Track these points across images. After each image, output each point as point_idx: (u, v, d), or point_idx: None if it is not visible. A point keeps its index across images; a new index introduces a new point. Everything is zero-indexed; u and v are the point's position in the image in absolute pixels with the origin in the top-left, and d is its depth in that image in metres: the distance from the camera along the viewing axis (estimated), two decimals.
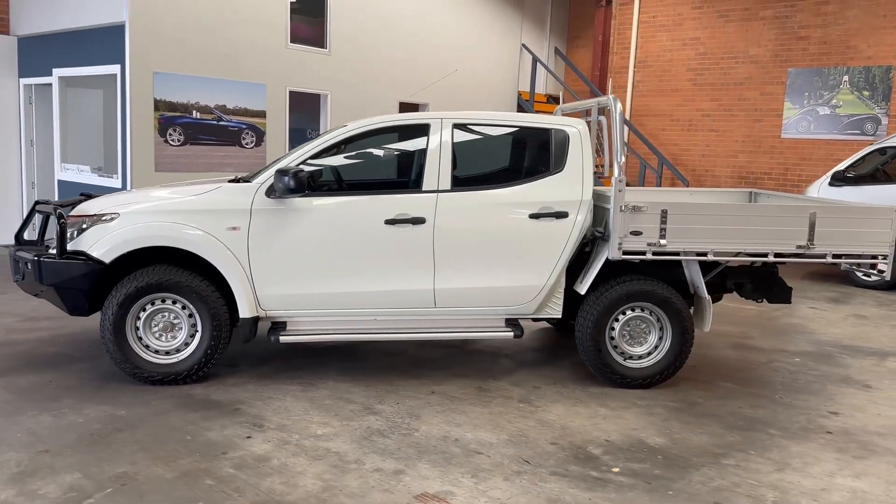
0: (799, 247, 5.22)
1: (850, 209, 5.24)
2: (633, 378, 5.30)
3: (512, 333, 5.22)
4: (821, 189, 10.16)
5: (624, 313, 5.31)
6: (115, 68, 9.05)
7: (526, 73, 14.55)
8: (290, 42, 10.47)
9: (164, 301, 4.97)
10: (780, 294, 5.73)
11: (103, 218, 4.93)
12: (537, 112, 14.19)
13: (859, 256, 5.35)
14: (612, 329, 5.31)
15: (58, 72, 9.94)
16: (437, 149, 5.14)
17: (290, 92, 10.56)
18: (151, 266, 4.95)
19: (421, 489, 3.66)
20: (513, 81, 14.37)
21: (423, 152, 5.16)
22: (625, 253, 5.12)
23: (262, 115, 10.27)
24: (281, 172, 4.80)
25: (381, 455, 4.03)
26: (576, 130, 5.35)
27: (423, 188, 5.10)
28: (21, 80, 10.64)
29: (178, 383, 5.00)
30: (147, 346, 5.00)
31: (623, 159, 5.03)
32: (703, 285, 5.38)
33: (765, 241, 5.19)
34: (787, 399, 5.25)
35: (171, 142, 9.34)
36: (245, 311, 4.98)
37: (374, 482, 3.71)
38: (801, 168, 12.88)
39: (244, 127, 10.05)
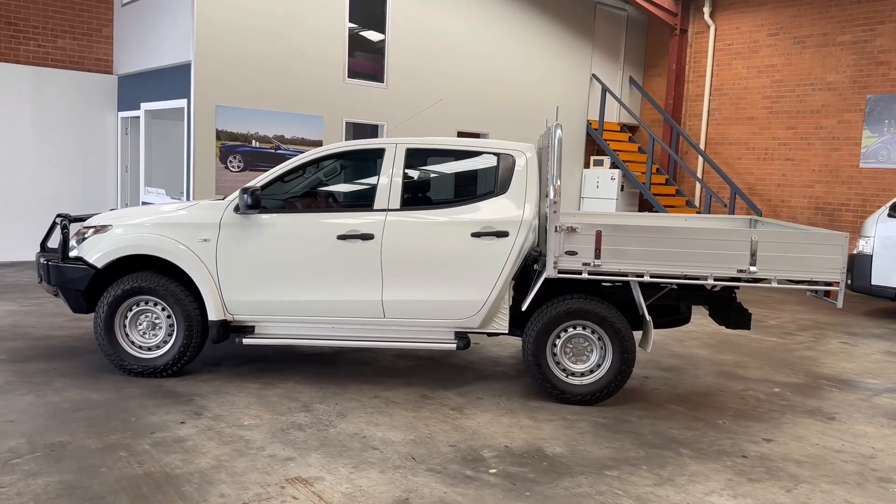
0: (740, 271, 5.20)
1: (795, 234, 5.17)
2: (573, 394, 5.45)
3: (455, 345, 5.52)
4: (879, 221, 9.66)
5: (566, 331, 5.47)
6: (182, 102, 10.15)
7: (596, 103, 14.66)
8: (348, 77, 11.25)
9: (146, 303, 5.67)
10: (738, 319, 5.69)
11: (100, 229, 5.72)
12: (607, 140, 14.27)
13: (810, 283, 5.25)
14: (555, 346, 5.48)
15: (144, 106, 11.22)
16: (389, 171, 5.57)
17: (347, 123, 11.32)
18: (139, 272, 5.67)
19: (297, 474, 4.06)
20: (582, 111, 14.53)
21: (375, 174, 5.61)
22: (560, 272, 5.31)
23: (318, 144, 11.08)
24: (243, 191, 5.41)
25: (285, 445, 4.46)
26: (522, 155, 5.62)
27: (375, 207, 5.54)
28: (119, 113, 12.06)
29: (156, 376, 5.67)
30: (133, 342, 5.71)
31: (559, 183, 5.25)
32: (644, 306, 5.45)
33: (703, 264, 5.22)
34: (729, 424, 5.21)
35: (231, 168, 10.31)
36: (213, 315, 5.59)
37: (260, 465, 4.15)
38: (881, 199, 12.18)
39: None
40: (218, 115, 10.06)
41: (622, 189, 14.21)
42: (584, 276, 5.31)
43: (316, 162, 5.71)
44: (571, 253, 5.29)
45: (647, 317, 5.43)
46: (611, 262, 5.28)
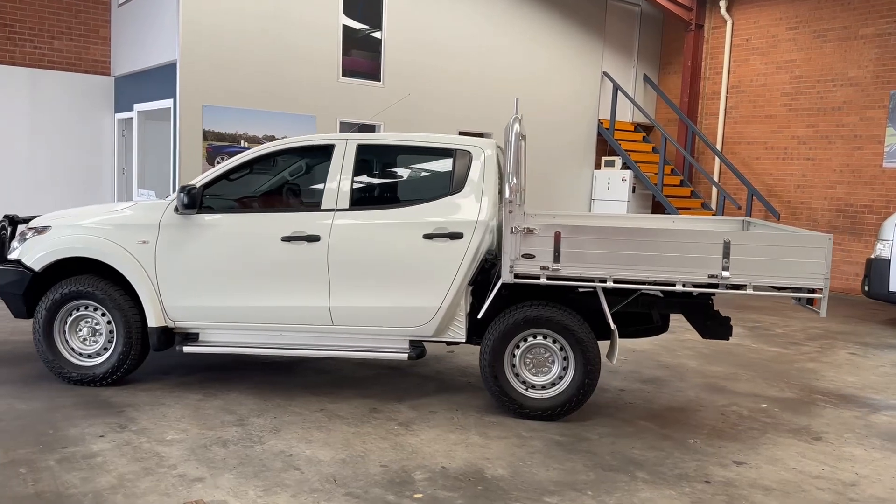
0: (711, 276, 4.74)
1: (773, 236, 4.70)
2: (532, 409, 5.03)
3: (406, 355, 5.14)
4: None
5: (525, 340, 5.07)
6: (168, 102, 9.95)
7: (608, 102, 14.17)
8: (343, 76, 10.95)
9: (86, 308, 5.40)
10: (715, 328, 5.22)
11: (40, 231, 5.47)
12: (618, 141, 13.78)
13: (791, 289, 4.77)
14: (514, 356, 5.08)
15: (137, 107, 11.06)
16: (338, 169, 5.23)
17: (342, 123, 11.03)
18: (77, 275, 5.41)
19: (200, 496, 3.72)
20: (592, 110, 14.06)
21: (324, 172, 5.27)
22: (517, 276, 4.91)
23: None
24: (181, 189, 5.11)
25: (200, 463, 4.14)
26: (480, 151, 5.24)
27: (322, 207, 5.20)
28: (116, 115, 11.93)
29: (96, 385, 5.40)
30: (73, 349, 5.44)
31: (514, 180, 4.85)
32: (609, 314, 5.02)
33: (671, 268, 4.77)
34: (700, 444, 4.75)
35: None
36: (153, 321, 5.30)
37: (164, 486, 3.83)
38: None
39: None
40: (205, 114, 9.83)
41: (633, 191, 13.68)
42: (543, 281, 4.89)
43: (262, 159, 5.39)
44: (528, 256, 4.88)
45: (613, 325, 5.00)
46: (571, 266, 4.86)
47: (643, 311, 5.30)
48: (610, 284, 4.86)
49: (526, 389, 5.09)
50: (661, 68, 15.13)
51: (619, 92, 13.99)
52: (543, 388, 5.10)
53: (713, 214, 13.67)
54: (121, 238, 5.30)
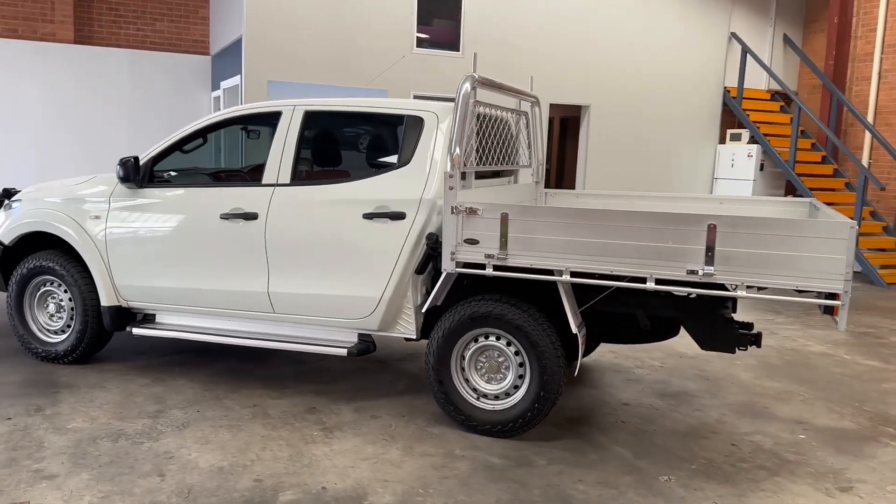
0: (691, 272, 3.70)
1: (776, 223, 3.57)
2: (480, 422, 4.26)
3: (345, 350, 4.54)
4: None
5: (476, 340, 4.29)
6: (237, 79, 9.88)
7: (736, 66, 12.52)
8: (417, 46, 10.39)
9: (51, 284, 5.28)
10: (716, 338, 4.14)
11: (13, 203, 5.41)
12: (746, 111, 12.16)
13: (799, 293, 3.63)
14: (464, 359, 4.32)
15: (223, 84, 11.16)
16: (282, 139, 4.69)
17: (415, 96, 10.47)
18: (47, 250, 5.29)
19: (31, 497, 3.37)
20: (717, 77, 12.49)
21: (269, 143, 4.75)
22: (459, 265, 4.14)
23: None
24: (118, 161, 4.82)
25: (73, 458, 3.80)
26: (433, 116, 4.48)
27: (263, 181, 4.69)
28: (212, 93, 12.17)
29: (58, 362, 5.28)
30: (42, 326, 5.36)
31: (457, 151, 4.07)
32: (571, 314, 4.10)
33: (641, 261, 3.79)
34: (671, 485, 3.76)
35: None
36: (105, 300, 5.08)
37: (10, 482, 3.53)
38: None
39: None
40: (270, 90, 9.66)
41: (762, 168, 12.00)
42: (489, 271, 4.08)
43: (212, 128, 4.96)
44: (472, 242, 4.09)
45: (575, 328, 4.08)
46: (521, 254, 4.01)
47: (627, 311, 4.32)
48: (566, 278, 3.95)
49: (476, 398, 4.31)
50: (805, 26, 13.14)
51: (748, 56, 12.29)
52: (497, 398, 4.29)
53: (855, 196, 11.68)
54: (76, 213, 5.11)
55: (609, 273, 3.87)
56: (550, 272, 4.00)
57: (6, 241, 5.32)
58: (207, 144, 5.31)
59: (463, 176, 4.50)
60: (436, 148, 4.40)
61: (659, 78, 11.96)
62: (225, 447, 4.00)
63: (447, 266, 4.15)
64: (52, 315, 5.33)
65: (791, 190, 12.08)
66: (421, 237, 4.34)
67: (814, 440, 4.41)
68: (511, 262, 4.04)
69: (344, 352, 4.53)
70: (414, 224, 4.33)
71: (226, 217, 4.70)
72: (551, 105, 11.38)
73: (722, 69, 12.48)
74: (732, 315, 4.46)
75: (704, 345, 4.18)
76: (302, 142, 4.67)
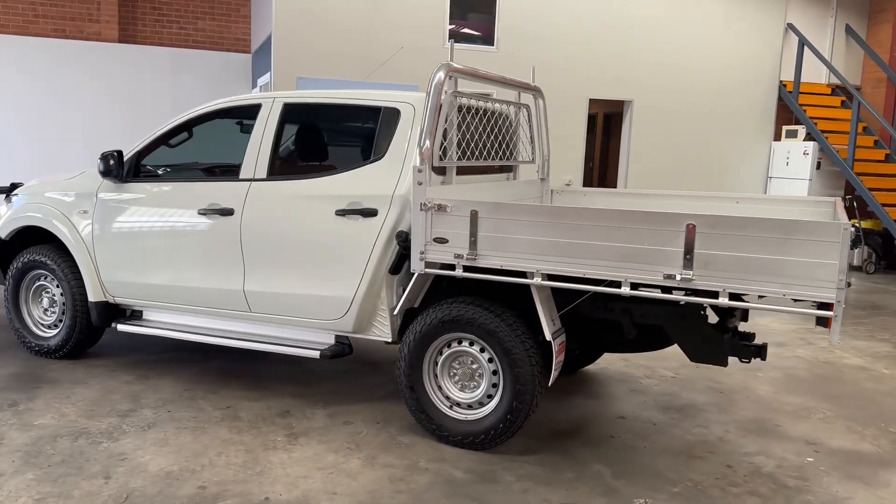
0: (668, 277, 3.37)
1: (760, 223, 3.20)
2: (452, 432, 4.01)
3: (317, 353, 4.35)
4: None
5: (450, 346, 4.04)
6: (268, 76, 9.87)
7: (793, 59, 11.85)
8: (448, 41, 10.15)
9: (45, 278, 5.29)
10: (704, 349, 3.78)
11: (12, 197, 5.44)
12: (803, 106, 11.51)
13: (796, 301, 3.26)
14: (437, 365, 4.08)
15: (259, 81, 11.19)
16: (260, 132, 4.55)
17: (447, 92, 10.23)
18: (42, 244, 5.30)
19: None
20: (772, 70, 11.85)
21: (248, 136, 4.61)
22: (429, 266, 3.90)
23: None
24: (100, 156, 4.76)
25: (23, 457, 3.73)
26: (410, 108, 4.24)
27: (241, 176, 4.56)
28: (252, 90, 12.23)
29: (50, 357, 5.28)
30: (36, 320, 5.37)
31: (427, 144, 3.84)
32: (546, 320, 3.81)
33: (616, 263, 3.47)
34: None
35: None
36: (92, 295, 5.04)
37: None
38: None
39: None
40: (299, 86, 9.60)
41: (818, 167, 11.31)
42: (459, 272, 3.83)
43: (195, 122, 4.86)
44: (441, 240, 3.85)
45: (549, 335, 3.79)
46: (491, 254, 3.74)
47: (613, 318, 3.99)
48: (537, 281, 3.67)
49: (449, 407, 4.07)
50: (869, 16, 12.33)
51: (805, 48, 11.61)
52: (470, 407, 4.04)
53: None
54: (66, 207, 5.10)
55: (582, 276, 3.57)
56: (524, 274, 3.72)
57: (2, 235, 5.35)
58: (210, 139, 5.21)
59: (442, 171, 4.27)
60: (412, 141, 4.17)
61: (708, 72, 11.41)
62: (182, 450, 3.87)
63: (416, 266, 3.92)
64: (45, 309, 5.33)
65: (850, 190, 11.35)
66: (393, 235, 4.11)
67: (823, 464, 3.99)
68: (481, 263, 3.77)
69: (316, 354, 4.34)
70: (386, 221, 4.11)
71: (203, 213, 4.58)
72: (593, 101, 10.98)
73: (777, 62, 11.82)
74: (735, 325, 4.09)
75: (693, 356, 3.82)
76: (279, 135, 4.51)
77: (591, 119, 13.27)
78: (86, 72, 11.54)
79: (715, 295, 3.33)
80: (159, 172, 4.94)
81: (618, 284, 3.51)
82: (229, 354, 5.53)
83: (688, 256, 3.31)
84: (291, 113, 4.55)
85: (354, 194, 4.20)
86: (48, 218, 5.13)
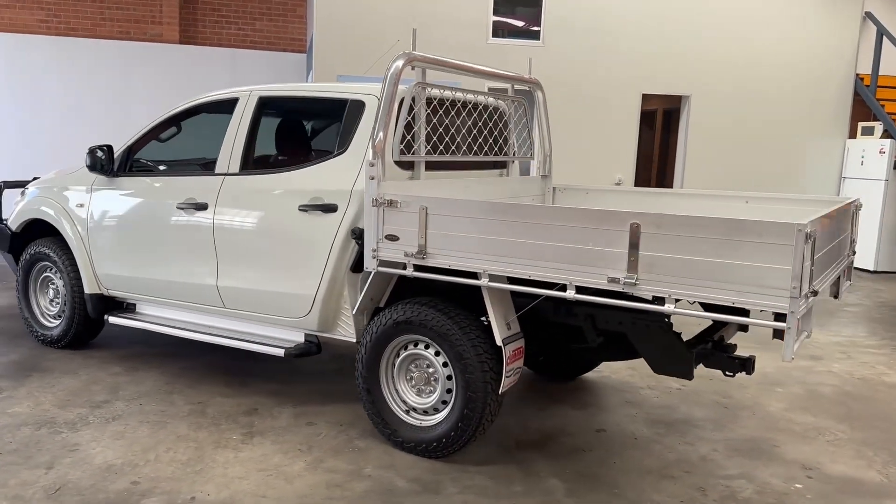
0: (612, 280, 3.09)
1: (708, 223, 2.89)
2: (406, 438, 3.85)
3: (282, 351, 4.27)
4: None
5: (406, 348, 3.88)
6: (311, 74, 9.93)
7: (871, 51, 11.03)
8: (493, 37, 9.96)
9: (50, 270, 5.44)
10: (671, 362, 3.46)
11: (26, 190, 5.63)
12: (881, 101, 10.71)
13: (736, 311, 2.93)
14: (394, 367, 3.93)
15: (308, 80, 11.29)
16: (235, 126, 4.52)
17: (490, 89, 10.05)
18: (47, 237, 5.46)
19: None
20: (847, 63, 11.07)
21: (224, 130, 4.59)
22: (382, 264, 3.75)
23: None
24: (87, 150, 4.85)
25: None
26: (374, 100, 4.10)
27: (216, 171, 4.54)
28: None
29: (53, 346, 5.42)
30: (43, 311, 5.54)
31: (381, 134, 3.69)
32: (498, 323, 3.59)
33: (559, 265, 3.23)
34: None
35: None
36: (87, 287, 5.14)
37: None
38: None
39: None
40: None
41: (895, 167, 10.46)
42: (410, 272, 3.67)
43: (182, 116, 4.88)
44: (392, 238, 3.69)
45: (500, 340, 3.57)
46: (441, 253, 3.56)
47: (575, 323, 3.73)
48: (484, 282, 3.45)
49: (406, 412, 3.90)
50: None
51: (884, 38, 10.77)
52: (426, 413, 3.86)
53: None
54: (66, 201, 5.22)
55: (527, 278, 3.33)
56: (475, 275, 3.51)
57: (13, 227, 5.53)
58: (208, 134, 5.23)
59: (410, 166, 4.11)
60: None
61: (776, 64, 10.75)
62: (133, 445, 3.86)
63: (369, 264, 3.78)
64: (51, 300, 5.48)
65: None
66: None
67: (811, 491, 3.60)
68: (430, 262, 3.59)
69: (281, 352, 4.26)
70: (345, 217, 3.99)
71: (181, 207, 4.59)
72: (650, 96, 10.53)
73: (854, 54, 11.01)
74: (721, 336, 3.77)
75: (655, 367, 3.52)
76: (253, 129, 4.46)
77: (650, 115, 12.76)
78: (149, 72, 11.95)
79: (661, 301, 3.03)
80: (151, 167, 4.98)
81: (563, 287, 3.25)
82: (225, 350, 5.53)
83: (632, 258, 3.03)
84: (265, 107, 4.49)
85: (316, 189, 4.10)
86: (49, 211, 5.26)
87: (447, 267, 3.55)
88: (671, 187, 11.64)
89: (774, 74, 10.78)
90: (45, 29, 11.78)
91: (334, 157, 4.12)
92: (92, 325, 5.34)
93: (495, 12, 9.91)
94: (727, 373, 3.74)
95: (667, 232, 2.94)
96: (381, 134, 3.69)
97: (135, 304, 5.15)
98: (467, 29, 9.86)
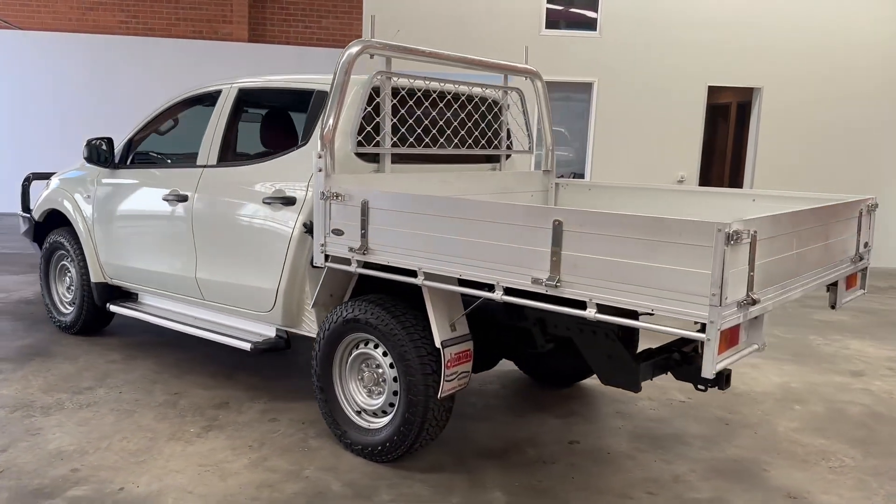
0: (535, 281, 2.85)
1: (628, 221, 2.61)
2: (353, 440, 3.72)
3: (248, 345, 4.22)
4: None
5: (358, 347, 3.75)
6: None
7: None
8: (546, 28, 9.67)
9: (66, 259, 5.64)
10: (615, 372, 3.17)
11: (49, 184, 5.86)
12: None
13: (650, 318, 2.64)
14: (345, 366, 3.81)
15: None
16: (216, 118, 4.52)
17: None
18: (63, 227, 5.66)
19: None
20: None
21: (206, 122, 4.60)
22: (329, 259, 3.64)
23: None
24: (85, 143, 4.97)
25: None
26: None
27: (197, 162, 4.55)
28: None
29: (67, 332, 5.62)
30: (61, 298, 5.75)
31: (330, 122, 3.58)
32: (438, 324, 3.40)
33: (488, 264, 3.01)
34: None
35: None
36: (93, 276, 5.29)
37: None
38: None
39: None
40: None
41: None
42: (353, 267, 3.54)
43: (175, 108, 4.95)
44: (338, 232, 3.57)
45: (438, 342, 3.38)
46: (383, 249, 3.41)
47: (524, 326, 3.49)
48: (420, 281, 3.27)
49: (357, 413, 3.77)
50: None
51: None
52: (374, 415, 3.72)
53: None
54: (77, 192, 5.39)
55: (458, 277, 3.13)
56: (413, 272, 3.34)
57: (36, 217, 5.77)
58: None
59: (375, 158, 3.98)
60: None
61: (861, 53, 9.90)
62: (94, 432, 3.91)
63: (317, 259, 3.67)
64: (68, 287, 5.68)
65: None
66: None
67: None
68: (371, 258, 3.44)
69: (248, 346, 4.22)
70: (302, 210, 3.90)
71: (166, 199, 4.63)
72: (721, 88, 9.94)
73: None
74: (696, 348, 3.45)
75: (602, 377, 3.23)
76: (231, 121, 4.45)
77: (724, 109, 12.05)
78: (220, 70, 12.28)
79: (583, 305, 2.76)
80: (153, 160, 5.06)
81: (492, 287, 3.03)
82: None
83: (554, 258, 2.77)
84: (243, 99, 4.47)
85: (279, 181, 4.03)
86: (63, 202, 5.45)
87: (386, 264, 3.40)
88: (742, 186, 10.95)
89: (856, 65, 9.93)
90: (126, 30, 12.34)
91: (297, 148, 4.04)
92: (100, 313, 5.49)
93: (549, 0, 9.59)
94: (698, 386, 3.41)
95: (589, 231, 2.68)
96: (329, 124, 3.57)
97: (137, 294, 5.25)
98: (518, 21, 9.59)
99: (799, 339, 6.30)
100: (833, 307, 3.61)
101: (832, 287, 3.60)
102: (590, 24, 9.69)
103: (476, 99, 4.59)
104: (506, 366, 4.94)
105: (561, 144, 10.04)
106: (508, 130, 4.85)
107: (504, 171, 4.83)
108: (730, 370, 3.36)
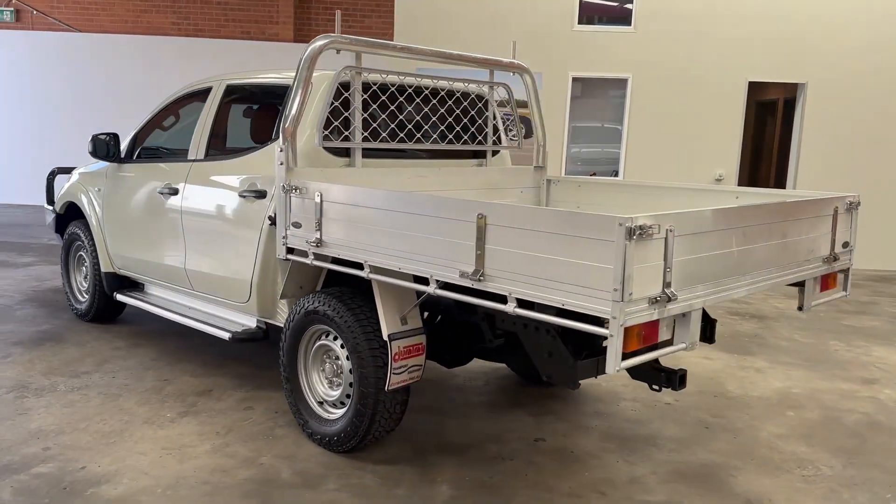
0: (463, 275, 2.85)
1: (541, 215, 2.58)
2: (314, 431, 3.79)
3: (228, 335, 4.34)
4: None
5: (320, 339, 3.81)
6: None
7: None
8: (579, 23, 9.55)
9: (82, 249, 5.90)
10: (553, 368, 3.13)
11: (71, 177, 6.14)
12: None
13: (566, 315, 2.59)
14: (308, 357, 3.88)
15: None
16: (205, 114, 4.66)
17: (574, 78, 9.65)
18: (78, 219, 5.93)
19: None
20: None
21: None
22: (290, 252, 3.71)
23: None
24: (90, 138, 5.19)
25: None
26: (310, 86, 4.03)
27: (188, 157, 4.70)
28: None
29: (82, 320, 5.88)
30: (79, 286, 6.03)
31: (293, 111, 3.65)
32: (386, 317, 3.42)
33: (423, 257, 3.03)
34: None
35: None
36: (103, 266, 5.52)
37: None
38: None
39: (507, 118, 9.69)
40: None
41: None
42: (310, 260, 3.60)
43: (175, 105, 5.11)
44: (297, 225, 3.64)
45: (386, 334, 3.40)
46: (336, 242, 3.46)
47: (479, 323, 3.48)
48: (365, 273, 3.31)
49: (319, 404, 3.84)
50: None
51: None
52: (334, 405, 3.77)
53: None
54: (91, 185, 5.63)
55: (397, 270, 3.15)
56: (361, 265, 3.37)
57: (57, 209, 6.05)
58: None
59: (346, 153, 4.03)
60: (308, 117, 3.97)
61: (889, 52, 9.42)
62: (76, 415, 4.09)
63: (279, 251, 3.74)
64: (84, 276, 5.94)
65: None
66: None
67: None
68: (324, 251, 3.49)
69: (227, 336, 4.33)
70: (271, 203, 3.97)
71: (161, 192, 4.79)
72: (764, 84, 9.62)
73: None
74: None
75: (543, 374, 3.19)
76: (218, 116, 4.57)
77: (771, 106, 11.64)
78: None
79: (504, 299, 2.74)
80: (159, 154, 5.24)
81: (426, 281, 3.04)
82: None
83: (478, 252, 2.76)
84: (230, 94, 4.59)
85: (253, 175, 4.12)
86: (78, 194, 5.70)
87: (337, 256, 3.44)
88: (785, 186, 10.55)
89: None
90: (177, 31, 12.77)
91: (271, 143, 4.12)
92: (111, 302, 5.71)
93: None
94: (653, 386, 3.34)
95: (506, 225, 2.65)
96: (290, 118, 3.63)
97: (144, 284, 5.45)
98: (551, 16, 9.49)
99: (817, 344, 6.05)
100: (800, 309, 3.46)
101: (800, 287, 3.46)
102: (624, 19, 9.51)
103: (458, 94, 4.58)
104: (497, 364, 4.92)
105: (597, 141, 9.90)
106: (495, 126, 4.82)
107: (490, 167, 4.81)
108: (684, 370, 3.29)
